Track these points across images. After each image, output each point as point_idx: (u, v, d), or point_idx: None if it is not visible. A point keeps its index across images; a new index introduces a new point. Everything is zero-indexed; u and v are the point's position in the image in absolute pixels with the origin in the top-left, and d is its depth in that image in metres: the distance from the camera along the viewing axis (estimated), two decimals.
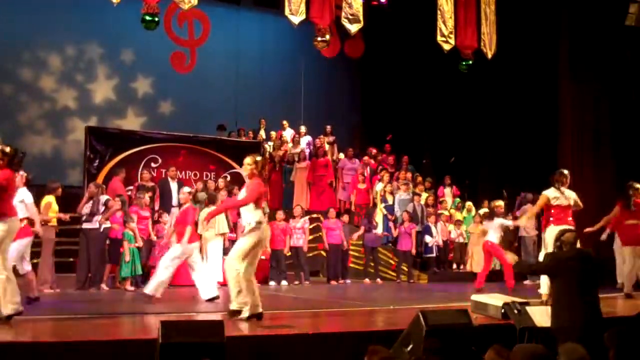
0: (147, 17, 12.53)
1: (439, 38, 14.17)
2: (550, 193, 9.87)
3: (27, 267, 9.28)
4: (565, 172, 10.11)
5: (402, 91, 20.13)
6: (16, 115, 17.85)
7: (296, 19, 12.92)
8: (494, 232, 12.75)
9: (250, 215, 7.89)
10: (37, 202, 11.56)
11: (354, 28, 13.62)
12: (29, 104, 18.08)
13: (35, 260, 12.10)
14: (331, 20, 13.52)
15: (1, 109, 17.40)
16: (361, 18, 13.51)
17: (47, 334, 7.04)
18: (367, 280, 14.77)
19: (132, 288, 11.68)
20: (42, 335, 6.97)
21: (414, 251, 15.20)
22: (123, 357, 5.94)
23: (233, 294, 7.93)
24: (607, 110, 15.54)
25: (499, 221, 12.80)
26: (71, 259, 12.69)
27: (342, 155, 17.90)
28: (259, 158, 8.12)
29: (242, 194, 8.04)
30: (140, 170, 14.38)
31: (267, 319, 8.19)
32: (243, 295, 7.83)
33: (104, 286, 11.83)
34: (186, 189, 11.22)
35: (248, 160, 8.04)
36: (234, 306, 7.95)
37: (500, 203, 13.15)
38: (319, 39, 13.95)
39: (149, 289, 9.96)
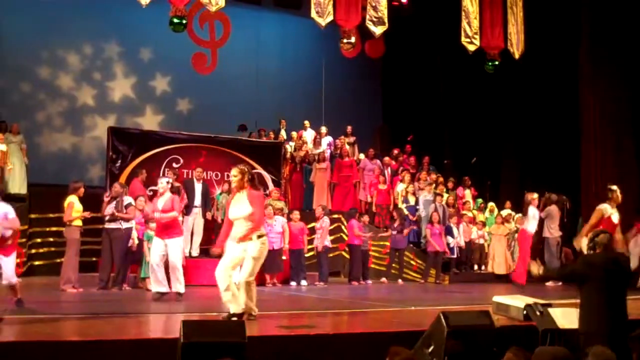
0: (175, 20, 12.62)
1: (464, 39, 14.12)
2: (606, 208, 10.11)
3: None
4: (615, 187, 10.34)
5: (423, 91, 20.08)
6: (35, 113, 17.98)
7: (323, 21, 12.94)
8: (529, 222, 12.84)
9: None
10: (60, 202, 11.70)
11: (378, 30, 13.63)
12: (47, 102, 18.21)
13: (58, 260, 12.27)
14: (357, 22, 13.52)
15: (20, 107, 17.52)
16: (386, 20, 13.51)
17: (70, 333, 7.09)
18: (384, 279, 14.75)
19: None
20: (65, 334, 7.01)
21: (448, 252, 15.22)
22: (145, 356, 5.97)
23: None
24: (630, 114, 15.43)
25: (533, 211, 12.90)
26: (94, 259, 12.78)
27: (362, 156, 17.88)
28: (245, 168, 8.03)
29: (247, 208, 7.79)
30: (162, 170, 14.44)
31: (288, 319, 8.20)
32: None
33: (126, 286, 11.91)
34: (165, 180, 11.05)
35: (234, 172, 7.92)
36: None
37: (535, 195, 13.17)
38: (345, 41, 13.95)
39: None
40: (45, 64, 18.20)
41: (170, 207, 10.29)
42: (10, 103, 17.27)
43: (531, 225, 12.86)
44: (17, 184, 14.83)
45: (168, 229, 10.22)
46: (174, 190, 11.74)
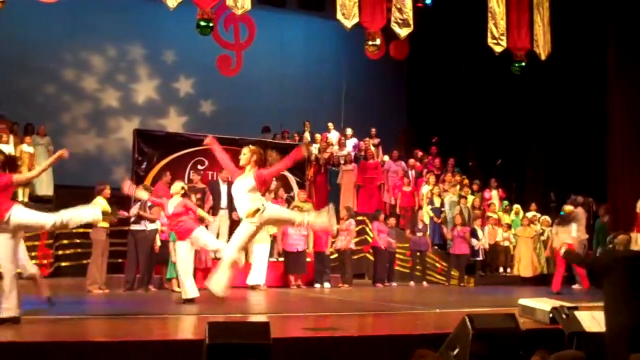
0: (202, 23, 12.68)
1: (490, 40, 14.07)
2: None
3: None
4: None
5: (447, 93, 20.00)
6: (60, 115, 18.17)
7: (349, 23, 12.96)
8: (568, 235, 12.99)
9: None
10: (85, 203, 11.76)
11: (403, 32, 13.62)
12: (72, 103, 18.41)
13: (85, 261, 12.38)
14: (382, 24, 13.52)
15: (45, 108, 17.71)
16: (411, 22, 13.50)
17: (96, 334, 7.15)
18: (412, 283, 14.73)
19: (179, 289, 11.78)
20: (91, 334, 7.07)
21: (468, 253, 15.16)
22: (170, 357, 6.00)
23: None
24: None
25: (574, 226, 13.28)
26: (120, 260, 12.86)
27: (386, 158, 17.85)
28: (256, 148, 8.05)
29: (250, 182, 7.83)
30: (187, 172, 14.52)
31: (313, 321, 8.20)
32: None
33: (152, 287, 11.96)
34: (180, 184, 11.00)
35: (244, 150, 7.96)
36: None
37: (571, 208, 13.38)
38: (370, 43, 13.96)
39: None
40: (70, 66, 18.38)
41: (183, 211, 10.18)
42: (35, 105, 17.46)
43: (568, 238, 13.03)
44: (44, 186, 15.02)
45: (187, 230, 10.16)
46: (197, 191, 11.82)
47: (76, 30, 17.99)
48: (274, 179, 15.11)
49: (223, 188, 14.00)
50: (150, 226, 11.82)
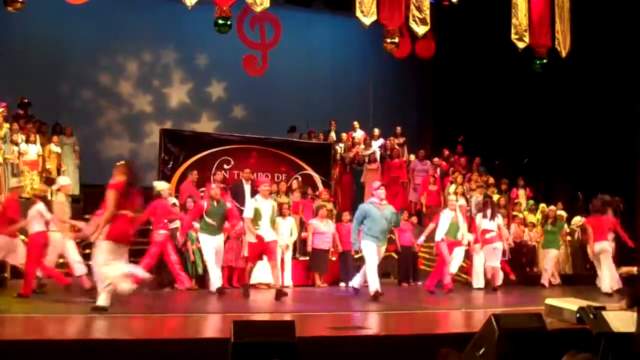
0: (220, 21, 12.75)
1: (514, 36, 14.02)
2: None
3: None
4: None
5: (474, 91, 19.88)
6: (96, 120, 18.35)
7: (367, 20, 12.99)
8: None
9: None
10: None
11: (421, 30, 13.64)
12: (107, 108, 18.59)
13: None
14: (400, 22, 13.52)
15: (82, 113, 17.90)
16: (429, 20, 13.51)
17: (123, 332, 7.21)
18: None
19: (196, 287, 11.78)
20: (118, 332, 7.13)
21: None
22: (196, 355, 6.04)
23: None
24: None
25: None
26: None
27: (412, 157, 17.80)
28: None
29: None
30: (213, 171, 14.59)
31: (338, 320, 8.21)
32: None
33: (177, 285, 12.00)
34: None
35: None
36: None
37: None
38: (388, 40, 13.97)
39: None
40: (106, 71, 18.56)
41: None
42: (72, 109, 17.66)
43: None
44: (71, 185, 15.14)
45: None
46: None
47: (112, 36, 18.14)
48: (299, 178, 15.32)
49: (247, 188, 14.04)
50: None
